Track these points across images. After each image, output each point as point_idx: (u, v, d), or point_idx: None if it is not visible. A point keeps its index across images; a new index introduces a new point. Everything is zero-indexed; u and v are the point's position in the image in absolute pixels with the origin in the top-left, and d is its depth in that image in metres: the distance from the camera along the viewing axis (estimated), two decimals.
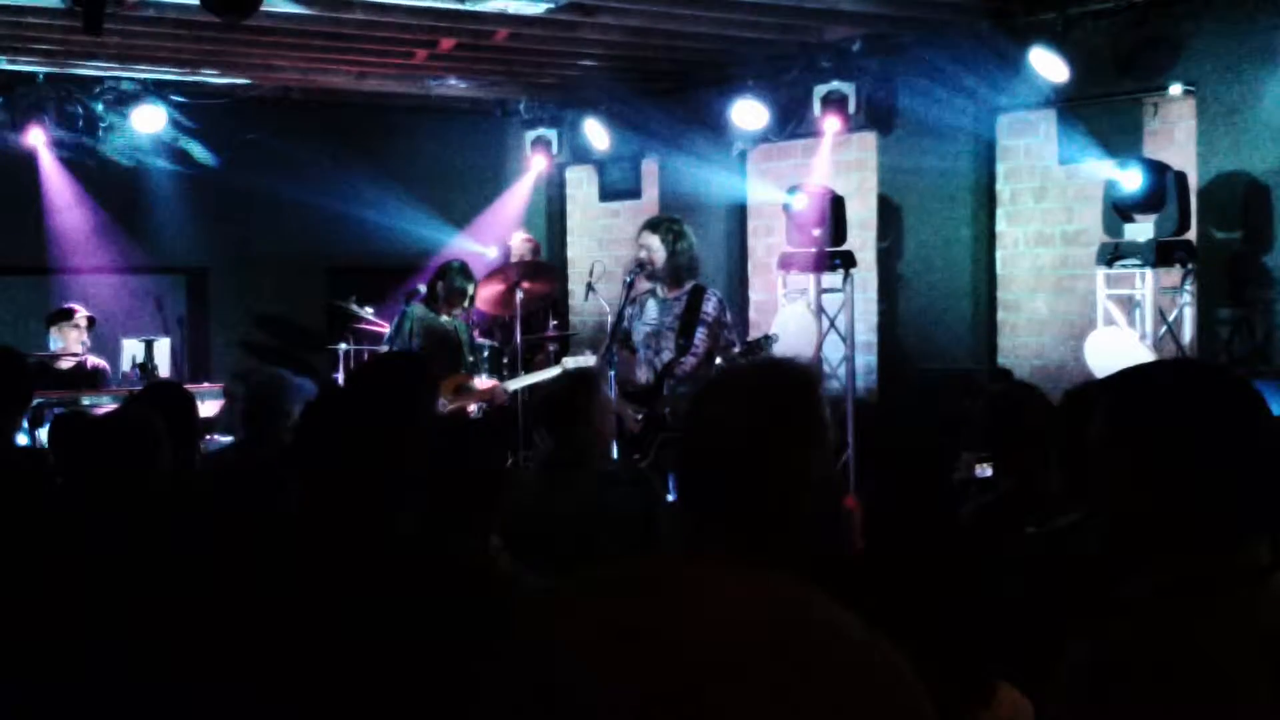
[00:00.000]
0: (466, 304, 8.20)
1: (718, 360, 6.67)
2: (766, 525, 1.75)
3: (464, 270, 8.23)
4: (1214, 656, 1.68)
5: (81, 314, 8.36)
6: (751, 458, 1.75)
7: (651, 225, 7.00)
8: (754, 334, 8.49)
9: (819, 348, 8.31)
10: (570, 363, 8.07)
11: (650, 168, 10.58)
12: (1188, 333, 7.06)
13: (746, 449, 1.75)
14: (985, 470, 4.16)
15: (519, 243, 9.87)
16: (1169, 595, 1.76)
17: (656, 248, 6.82)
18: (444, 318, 8.11)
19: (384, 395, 2.92)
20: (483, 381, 8.19)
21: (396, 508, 2.76)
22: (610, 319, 7.62)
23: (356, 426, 2.75)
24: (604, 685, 1.65)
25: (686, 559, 1.75)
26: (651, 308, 6.91)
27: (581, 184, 11.51)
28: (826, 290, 8.49)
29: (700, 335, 6.75)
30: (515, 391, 8.28)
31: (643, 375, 6.97)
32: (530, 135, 10.74)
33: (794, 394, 1.80)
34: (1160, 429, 1.78)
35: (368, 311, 9.17)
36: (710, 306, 6.82)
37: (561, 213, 11.61)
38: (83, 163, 9.49)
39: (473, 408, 8.15)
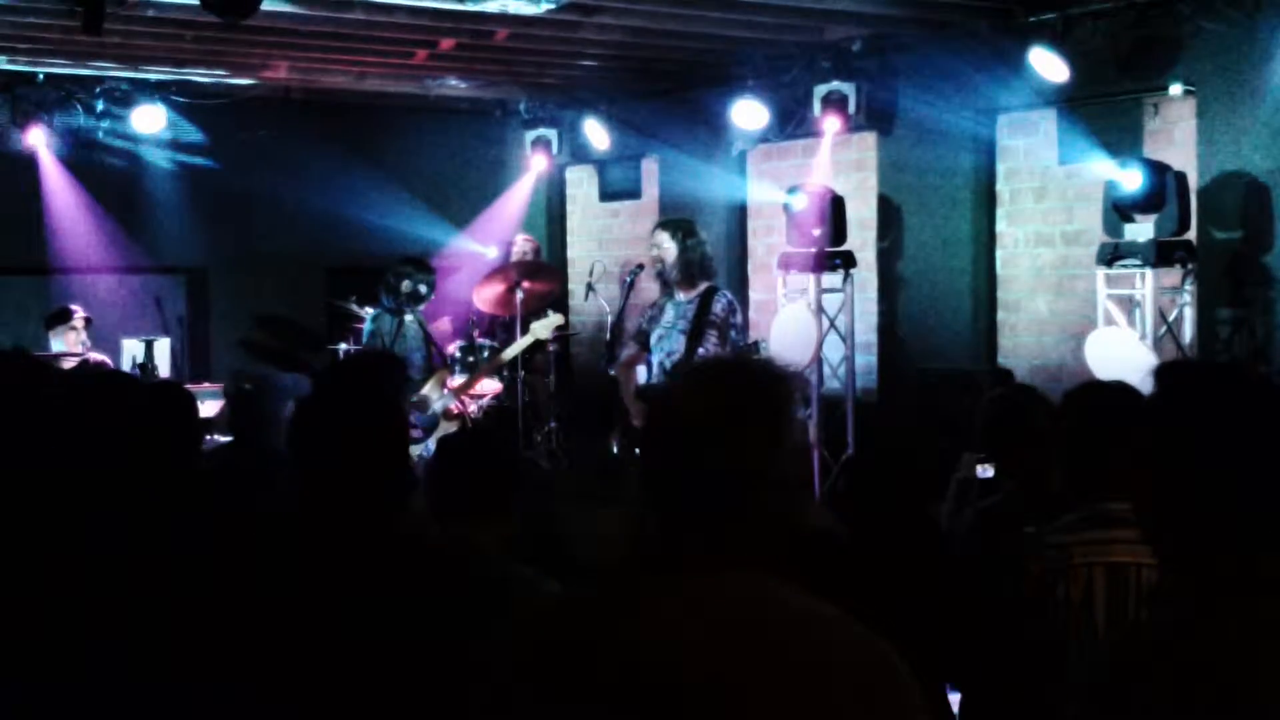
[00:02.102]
0: (431, 296, 8.19)
1: None
2: (733, 524, 1.74)
3: (421, 264, 8.19)
4: (1237, 661, 1.67)
5: (79, 315, 8.37)
6: (714, 456, 1.74)
7: (663, 224, 7.09)
8: (754, 334, 8.50)
9: (819, 348, 8.31)
10: (538, 326, 8.09)
11: (650, 168, 10.58)
12: (1188, 333, 7.06)
13: (708, 448, 1.74)
14: (987, 471, 4.16)
15: (520, 243, 9.88)
16: (1197, 596, 1.75)
17: (666, 245, 6.86)
18: (408, 317, 8.09)
19: (372, 393, 2.91)
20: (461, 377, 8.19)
21: (396, 507, 2.76)
22: (610, 319, 7.63)
23: (356, 426, 2.75)
24: (602, 700, 1.65)
25: (676, 565, 1.74)
26: (669, 310, 6.95)
27: (581, 184, 11.51)
28: (826, 290, 8.49)
29: (712, 338, 6.77)
30: (515, 385, 8.29)
31: (643, 375, 6.98)
32: (530, 135, 10.74)
33: (755, 393, 1.80)
34: (1201, 430, 1.78)
35: (367, 312, 9.17)
36: (719, 308, 6.84)
37: (561, 213, 11.61)
38: (83, 163, 9.50)
39: (473, 407, 8.16)
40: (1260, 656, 1.67)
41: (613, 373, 6.76)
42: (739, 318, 6.96)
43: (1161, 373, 1.88)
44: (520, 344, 8.16)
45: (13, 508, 3.66)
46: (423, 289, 8.08)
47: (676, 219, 7.26)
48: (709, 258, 6.98)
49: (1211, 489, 1.76)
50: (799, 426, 1.81)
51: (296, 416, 2.88)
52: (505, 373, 8.35)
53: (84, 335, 8.35)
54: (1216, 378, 1.90)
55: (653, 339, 6.94)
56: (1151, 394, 1.86)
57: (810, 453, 8.22)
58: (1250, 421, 1.77)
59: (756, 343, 7.04)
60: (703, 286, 6.87)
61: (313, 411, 2.88)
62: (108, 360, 8.43)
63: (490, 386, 8.56)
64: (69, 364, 8.23)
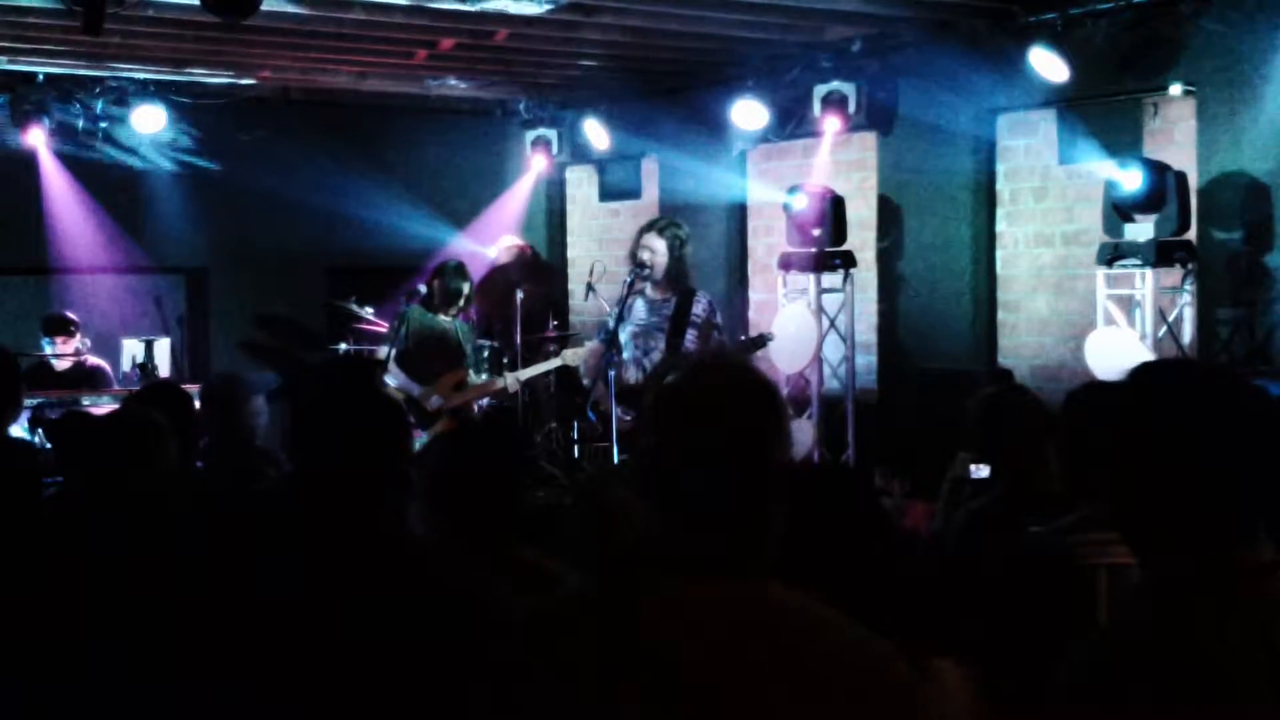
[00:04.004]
0: (463, 303, 8.21)
1: None
2: (742, 525, 1.74)
3: (459, 270, 8.23)
4: (1220, 656, 1.67)
5: (75, 332, 8.37)
6: (738, 457, 1.74)
7: (659, 229, 6.98)
8: (762, 329, 8.49)
9: (819, 348, 8.31)
10: (570, 354, 8.09)
11: (650, 168, 10.58)
12: (1188, 333, 7.06)
13: (733, 448, 1.74)
14: (981, 470, 4.16)
15: (511, 246, 9.87)
16: (1176, 594, 1.75)
17: (661, 251, 6.82)
18: (442, 317, 8.12)
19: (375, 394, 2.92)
20: (484, 379, 8.21)
21: (397, 508, 2.76)
22: (610, 319, 7.61)
23: (356, 427, 2.75)
24: (602, 700, 1.65)
25: (677, 566, 1.73)
26: (640, 308, 6.90)
27: (581, 184, 11.51)
28: (826, 290, 8.49)
29: (690, 337, 6.76)
30: (516, 389, 8.29)
31: (631, 375, 6.96)
32: (530, 135, 10.74)
33: (770, 394, 1.80)
34: (1166, 428, 1.79)
35: (368, 311, 9.18)
36: (700, 308, 6.83)
37: (561, 213, 11.61)
38: (83, 163, 9.49)
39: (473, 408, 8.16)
40: (1233, 654, 1.67)
41: (612, 373, 6.74)
42: (719, 317, 6.98)
43: (1134, 374, 1.88)
44: (545, 366, 8.17)
45: (13, 509, 3.67)
46: (420, 288, 8.14)
47: (668, 221, 7.21)
48: (692, 264, 7.01)
49: (1186, 487, 1.76)
50: (789, 430, 1.82)
51: (297, 416, 2.88)
52: (506, 371, 8.35)
53: (78, 341, 8.35)
54: (1188, 376, 1.90)
55: (623, 336, 6.89)
56: (1125, 394, 1.86)
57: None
58: (1224, 419, 1.77)
59: (764, 335, 7.02)
60: (679, 288, 6.87)
61: (312, 411, 2.88)
62: (105, 364, 8.43)
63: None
64: (64, 365, 8.24)
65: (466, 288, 8.17)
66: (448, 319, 8.13)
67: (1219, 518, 1.76)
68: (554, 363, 8.14)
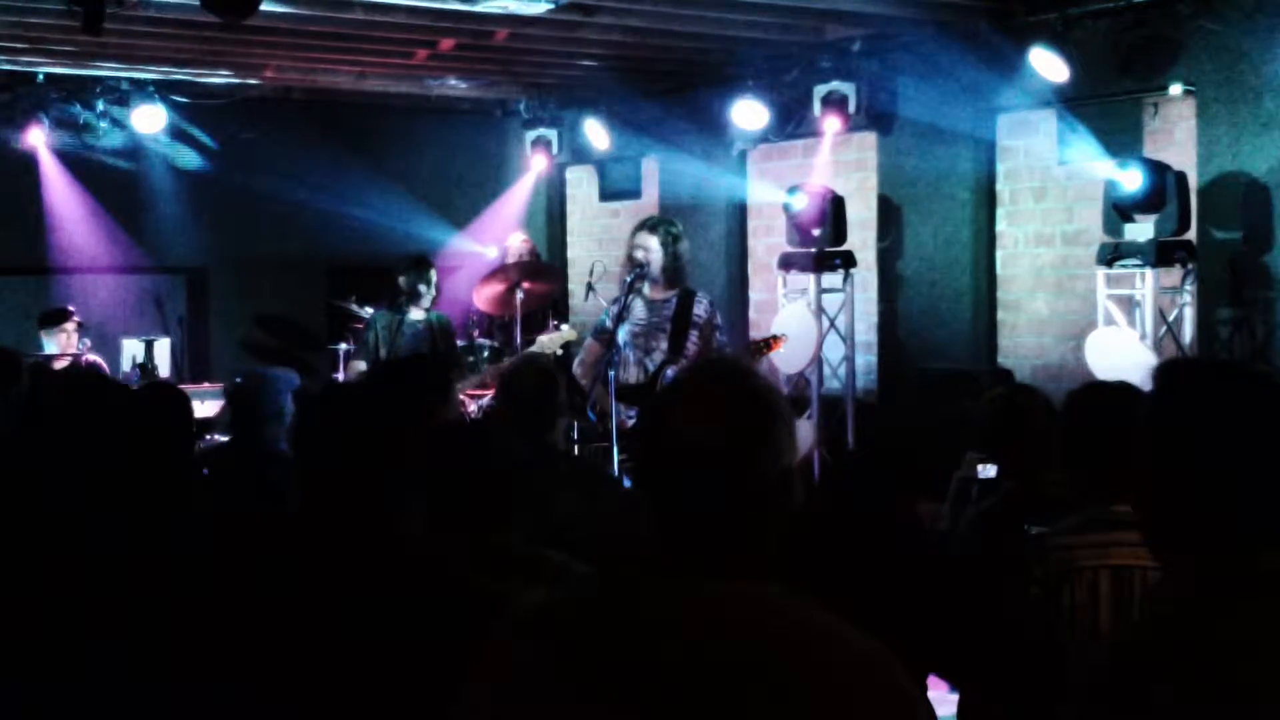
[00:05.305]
0: (435, 292, 8.18)
1: None
2: (744, 527, 1.74)
3: (419, 261, 8.22)
4: (1256, 657, 1.67)
5: (74, 319, 8.36)
6: (738, 459, 1.73)
7: (651, 227, 6.96)
8: (755, 334, 8.48)
9: (819, 348, 8.31)
10: (545, 340, 8.09)
11: (650, 168, 10.58)
12: (1188, 333, 7.06)
13: (731, 450, 1.73)
14: (989, 470, 4.16)
15: (517, 243, 9.86)
16: (1201, 595, 1.75)
17: (655, 249, 6.80)
18: (414, 315, 8.07)
19: (388, 396, 2.92)
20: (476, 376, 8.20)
21: (397, 508, 2.75)
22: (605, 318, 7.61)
23: (356, 427, 2.75)
24: (600, 701, 1.65)
25: (676, 567, 1.73)
26: (639, 308, 6.88)
27: (581, 184, 11.51)
28: (826, 290, 8.49)
29: (693, 338, 6.75)
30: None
31: (631, 375, 6.95)
32: (530, 135, 10.74)
33: (770, 395, 1.80)
34: (1196, 428, 1.78)
35: (367, 312, 9.17)
36: (701, 310, 6.82)
37: (561, 213, 11.61)
38: (83, 163, 9.50)
39: (472, 407, 8.14)
40: (1258, 656, 1.67)
41: (612, 374, 6.72)
42: (719, 319, 6.98)
43: (1160, 371, 1.88)
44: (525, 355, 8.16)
45: (13, 507, 3.66)
46: (421, 287, 8.09)
47: (663, 220, 7.19)
48: (688, 262, 7.00)
49: (1210, 487, 1.76)
50: (792, 428, 1.81)
51: (300, 418, 2.87)
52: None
53: (74, 338, 8.34)
54: (1216, 375, 1.90)
55: (621, 336, 6.87)
56: (1150, 393, 1.87)
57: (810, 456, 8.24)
58: (1250, 419, 1.77)
59: (775, 337, 7.01)
60: (678, 287, 6.86)
61: (315, 413, 2.88)
62: (102, 362, 8.42)
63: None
64: (61, 364, 8.23)
65: (433, 274, 8.16)
66: (420, 315, 8.09)
67: (1247, 519, 1.75)
68: (530, 351, 8.13)
